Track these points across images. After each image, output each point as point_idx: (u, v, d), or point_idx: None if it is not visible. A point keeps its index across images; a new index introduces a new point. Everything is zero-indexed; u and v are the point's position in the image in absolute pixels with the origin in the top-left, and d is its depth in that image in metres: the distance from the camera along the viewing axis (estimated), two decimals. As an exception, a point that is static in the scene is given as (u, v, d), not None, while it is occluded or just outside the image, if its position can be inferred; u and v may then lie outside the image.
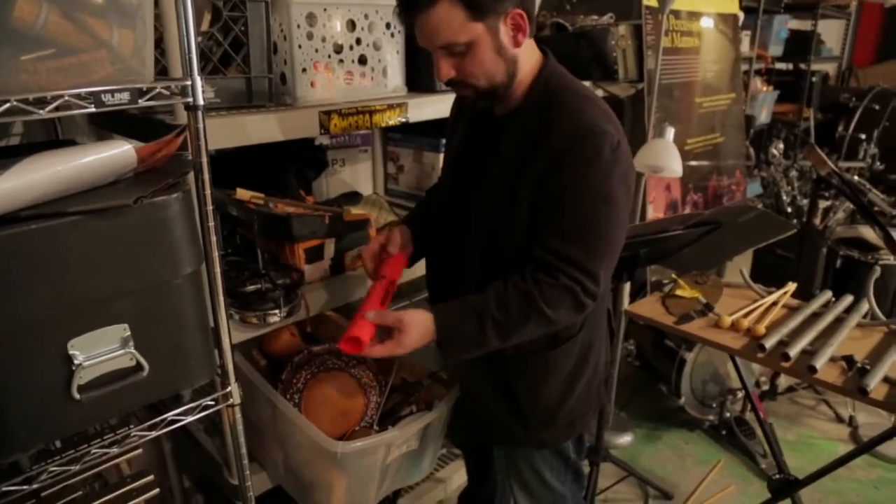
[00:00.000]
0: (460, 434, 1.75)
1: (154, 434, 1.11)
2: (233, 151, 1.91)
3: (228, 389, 1.21)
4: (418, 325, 1.20)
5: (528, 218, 1.20)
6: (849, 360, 1.54)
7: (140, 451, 1.25)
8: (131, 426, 1.10)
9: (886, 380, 1.48)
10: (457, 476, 2.21)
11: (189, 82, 1.00)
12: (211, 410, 1.19)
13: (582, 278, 1.17)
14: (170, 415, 1.13)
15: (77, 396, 0.95)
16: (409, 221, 1.54)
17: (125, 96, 0.94)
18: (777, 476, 1.86)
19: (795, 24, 4.09)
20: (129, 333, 0.99)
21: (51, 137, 1.65)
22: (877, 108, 4.01)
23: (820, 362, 1.51)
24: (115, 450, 1.08)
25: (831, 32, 4.90)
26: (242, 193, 1.76)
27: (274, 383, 1.58)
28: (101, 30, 0.92)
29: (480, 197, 1.29)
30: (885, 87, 4.19)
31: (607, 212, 1.16)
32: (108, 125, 1.61)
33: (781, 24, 3.76)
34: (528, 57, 1.23)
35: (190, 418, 1.15)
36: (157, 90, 0.97)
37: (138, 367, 1.01)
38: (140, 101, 0.95)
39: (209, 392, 1.20)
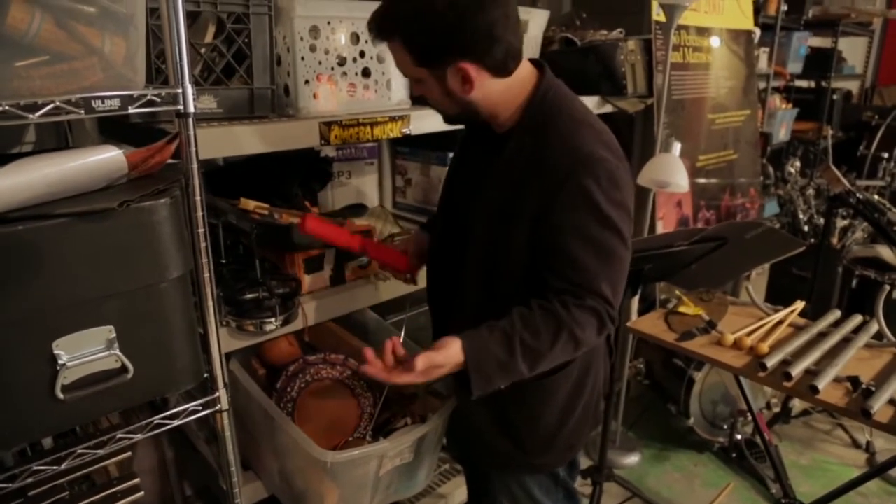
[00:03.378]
0: (457, 450, 1.74)
1: (139, 437, 1.12)
2: (240, 162, 1.96)
3: (216, 395, 1.21)
4: (451, 356, 1.13)
5: (526, 241, 1.19)
6: (854, 380, 1.50)
7: (129, 454, 1.26)
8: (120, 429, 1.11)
9: (892, 402, 1.44)
10: (458, 492, 2.19)
11: (179, 90, 1.02)
12: (198, 415, 1.20)
13: (601, 302, 1.16)
14: (156, 418, 1.14)
15: (61, 396, 0.97)
16: (428, 228, 1.58)
17: (115, 102, 0.96)
18: (784, 501, 1.81)
19: (816, 41, 4.04)
20: (114, 335, 1.01)
21: (62, 146, 1.69)
22: (900, 127, 3.95)
23: (823, 382, 1.47)
24: (101, 452, 1.09)
25: (854, 50, 4.83)
26: (246, 203, 1.78)
27: (269, 392, 1.58)
28: (93, 38, 0.94)
29: (477, 215, 1.28)
30: (909, 106, 4.13)
31: (611, 237, 1.15)
32: (115, 134, 1.64)
33: (801, 41, 3.71)
34: (510, 87, 1.20)
35: (176, 422, 1.16)
36: (148, 97, 0.99)
37: (123, 369, 1.02)
38: (130, 107, 0.97)
39: (199, 398, 1.21)
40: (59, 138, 1.72)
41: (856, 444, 2.67)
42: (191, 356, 1.13)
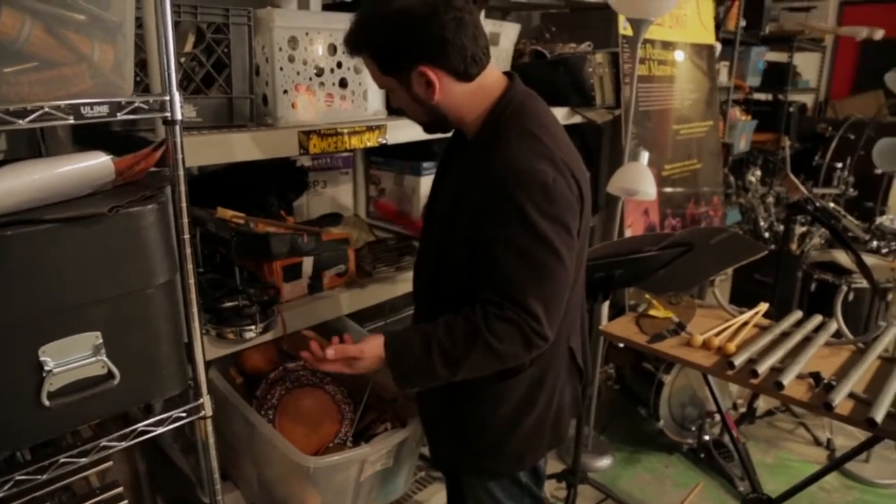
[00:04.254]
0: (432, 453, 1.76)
1: (124, 445, 1.11)
2: (216, 172, 1.96)
3: (200, 401, 1.21)
4: (372, 349, 1.26)
5: (465, 250, 1.23)
6: (816, 376, 1.57)
7: (111, 463, 1.25)
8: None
9: (852, 395, 1.51)
10: (435, 499, 2.20)
11: (167, 97, 1.03)
12: (182, 422, 1.19)
13: (525, 316, 1.17)
14: (140, 425, 1.13)
15: (47, 403, 0.96)
16: None
17: (104, 109, 0.96)
18: (752, 496, 1.87)
19: (773, 56, 4.21)
20: (101, 341, 1.01)
21: (34, 154, 1.67)
22: (852, 137, 4.13)
23: (787, 379, 1.54)
24: (84, 460, 1.08)
25: (809, 65, 5.04)
26: (223, 212, 1.79)
27: (249, 400, 1.58)
28: (83, 45, 0.95)
29: (433, 220, 1.35)
30: (860, 118, 4.32)
31: (542, 251, 1.16)
32: (90, 142, 1.63)
33: (759, 55, 3.86)
34: (474, 92, 1.23)
35: (161, 429, 1.16)
36: (136, 104, 1.00)
37: (109, 375, 1.02)
38: (119, 114, 0.98)
39: (181, 405, 1.21)
40: (31, 147, 1.70)
41: (817, 442, 2.77)
42: (176, 362, 1.13)
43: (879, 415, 1.40)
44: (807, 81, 4.87)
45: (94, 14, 0.95)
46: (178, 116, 1.06)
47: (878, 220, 3.10)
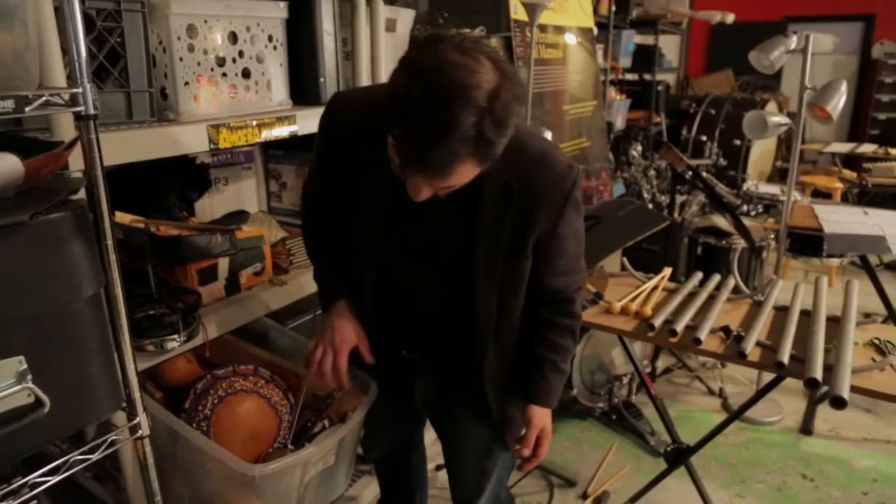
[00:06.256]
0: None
1: (56, 479, 1.00)
2: (108, 173, 1.80)
3: (137, 421, 1.12)
4: (546, 421, 1.40)
5: (531, 260, 1.28)
6: (726, 329, 1.71)
7: (35, 502, 1.13)
8: (31, 473, 0.99)
9: (759, 343, 1.66)
10: (366, 493, 2.18)
11: (80, 90, 0.93)
12: (118, 446, 1.10)
13: (581, 286, 1.36)
14: (73, 455, 1.02)
15: (-32, 442, 0.85)
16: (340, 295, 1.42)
17: (9, 104, 0.85)
18: (671, 447, 2.01)
19: (640, 38, 4.49)
20: (25, 366, 0.90)
21: None
22: (713, 112, 4.50)
23: (703, 334, 1.66)
24: (11, 502, 0.96)
25: (670, 47, 5.43)
26: (122, 217, 1.65)
27: (176, 414, 1.48)
28: (-24, 33, 0.84)
29: (477, 260, 1.23)
30: (718, 95, 4.72)
31: (583, 227, 1.33)
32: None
33: (629, 38, 4.11)
34: None
35: (96, 456, 1.05)
36: (45, 98, 0.89)
37: (38, 403, 0.91)
38: (27, 109, 0.87)
39: (111, 427, 1.11)
40: None
41: (711, 392, 3.02)
42: (110, 381, 1.03)
43: (785, 357, 1.55)
44: (670, 62, 5.25)
45: (-13, -4, 0.84)
46: (92, 111, 0.96)
47: (746, 186, 3.41)
